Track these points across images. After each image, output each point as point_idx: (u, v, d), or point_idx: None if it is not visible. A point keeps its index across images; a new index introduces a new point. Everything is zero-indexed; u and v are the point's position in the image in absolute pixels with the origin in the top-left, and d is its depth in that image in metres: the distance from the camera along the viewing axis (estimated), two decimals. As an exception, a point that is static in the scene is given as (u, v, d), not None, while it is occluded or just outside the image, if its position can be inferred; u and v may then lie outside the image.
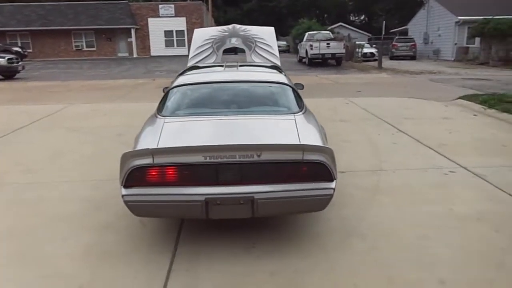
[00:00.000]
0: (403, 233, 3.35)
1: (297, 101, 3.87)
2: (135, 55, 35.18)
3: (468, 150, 5.66)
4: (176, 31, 36.23)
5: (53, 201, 4.08)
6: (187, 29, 36.04)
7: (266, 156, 2.83)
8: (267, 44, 6.35)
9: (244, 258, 2.97)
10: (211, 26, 29.56)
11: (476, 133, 6.70)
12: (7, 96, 12.21)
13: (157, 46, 36.15)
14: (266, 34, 6.54)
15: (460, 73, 18.48)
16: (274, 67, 5.07)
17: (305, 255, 3.00)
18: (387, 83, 15.19)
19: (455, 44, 28.28)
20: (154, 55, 35.33)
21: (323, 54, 22.30)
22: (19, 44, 33.12)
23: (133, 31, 35.13)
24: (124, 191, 2.88)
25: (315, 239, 3.25)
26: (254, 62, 5.99)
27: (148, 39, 36.14)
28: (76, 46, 35.84)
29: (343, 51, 22.85)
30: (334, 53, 22.44)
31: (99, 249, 3.16)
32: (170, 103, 3.82)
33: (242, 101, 3.86)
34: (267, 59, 6.12)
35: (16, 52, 25.69)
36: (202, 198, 2.80)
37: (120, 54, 35.83)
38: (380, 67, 21.37)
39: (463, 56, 26.71)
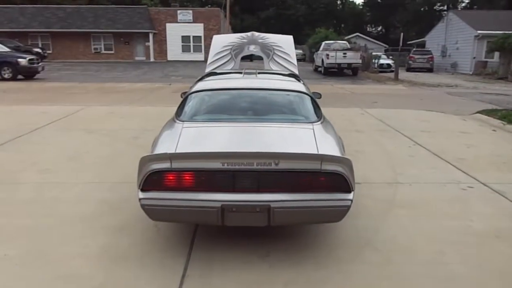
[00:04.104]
0: (419, 247, 3.30)
1: (315, 111, 3.85)
2: (152, 59, 35.60)
3: (486, 166, 5.57)
4: (193, 36, 36.61)
5: (69, 202, 4.12)
6: (204, 35, 36.39)
7: (283, 165, 2.82)
8: (285, 53, 6.36)
9: (258, 266, 2.95)
10: (228, 33, 29.85)
11: (495, 149, 6.59)
12: (27, 96, 12.44)
13: (174, 51, 36.54)
14: (284, 42, 6.55)
15: (478, 87, 18.25)
16: (292, 75, 5.06)
17: (319, 266, 2.97)
18: (403, 95, 15.07)
19: (474, 58, 27.97)
20: (171, 60, 35.70)
21: (339, 64, 22.28)
22: (40, 45, 33.76)
23: (151, 36, 35.57)
24: (141, 195, 2.89)
25: (330, 249, 3.22)
26: (272, 70, 5.99)
27: (166, 43, 36.55)
28: (94, 48, 36.42)
29: (360, 61, 22.79)
30: (350, 63, 22.40)
31: (113, 251, 3.17)
32: (189, 108, 3.84)
33: (261, 108, 3.86)
34: (285, 67, 6.12)
35: (37, 53, 26.13)
36: (219, 204, 2.79)
37: (137, 58, 36.29)
38: (396, 79, 21.22)
39: (481, 70, 26.39)
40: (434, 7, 55.61)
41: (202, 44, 36.50)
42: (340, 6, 63.01)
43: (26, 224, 3.59)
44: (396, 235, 3.49)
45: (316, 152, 3.01)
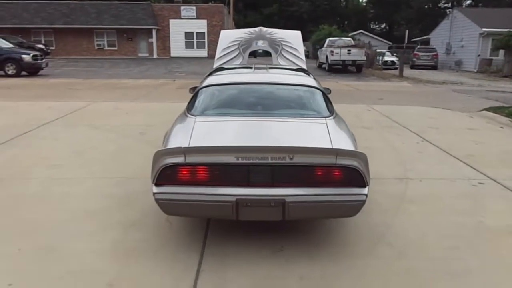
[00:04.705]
0: (432, 243, 3.28)
1: (327, 105, 3.83)
2: (155, 56, 35.57)
3: (496, 162, 5.54)
4: (197, 33, 36.54)
5: (78, 197, 4.11)
6: (207, 31, 36.35)
7: (298, 159, 2.80)
8: (293, 48, 6.33)
9: (272, 260, 2.94)
10: (232, 29, 29.76)
11: (504, 145, 6.56)
12: (32, 93, 12.44)
13: (177, 47, 36.50)
14: (292, 37, 6.52)
15: (484, 85, 18.17)
16: (302, 70, 5.04)
17: (334, 260, 2.96)
18: (408, 91, 15.02)
19: (478, 55, 27.84)
20: (174, 56, 35.67)
21: (343, 61, 22.20)
22: (43, 42, 33.69)
23: (154, 32, 35.53)
24: (155, 189, 2.87)
25: (343, 244, 3.21)
26: (281, 65, 5.96)
27: (169, 40, 36.50)
28: (97, 45, 36.39)
29: (364, 58, 22.71)
30: (355, 60, 22.32)
31: (125, 246, 3.15)
32: (200, 102, 3.81)
33: (273, 103, 3.84)
34: (293, 62, 6.09)
35: (40, 49, 26.10)
36: (233, 199, 2.78)
37: (140, 54, 36.27)
38: (401, 76, 21.13)
39: (486, 68, 26.27)
40: (439, 5, 55.28)
41: (206, 40, 36.46)
42: (344, 3, 62.73)
43: (38, 219, 3.59)
44: (408, 230, 3.48)
45: (330, 147, 2.99)
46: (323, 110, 3.72)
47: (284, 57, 6.19)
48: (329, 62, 22.56)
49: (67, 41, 35.58)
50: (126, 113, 8.75)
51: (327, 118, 3.53)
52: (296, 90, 4.05)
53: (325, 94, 4.04)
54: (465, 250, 3.18)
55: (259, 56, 23.08)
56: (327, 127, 3.35)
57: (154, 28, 35.44)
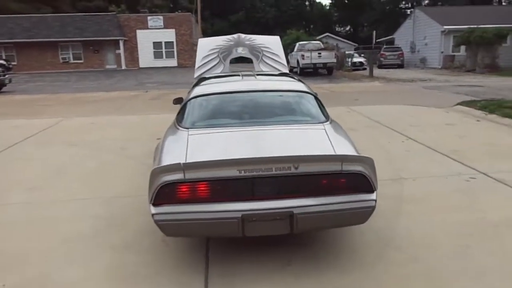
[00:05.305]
0: (441, 242, 3.23)
1: (322, 110, 3.74)
2: (123, 67, 34.82)
3: (481, 155, 5.61)
4: (165, 42, 36.05)
5: (64, 221, 3.83)
6: (176, 40, 35.94)
7: (303, 168, 2.68)
8: (274, 53, 6.23)
9: (282, 277, 2.78)
10: (200, 37, 29.47)
11: (484, 138, 6.69)
12: (-3, 111, 11.83)
13: (146, 57, 35.86)
14: (272, 43, 6.43)
15: (450, 80, 18.70)
16: (287, 75, 4.94)
17: (345, 272, 2.84)
18: (381, 91, 15.23)
19: (442, 52, 28.75)
20: (143, 67, 35.02)
21: (314, 64, 22.37)
22: (4, 57, 32.34)
23: (121, 43, 34.81)
24: (153, 210, 2.67)
25: (352, 254, 3.09)
26: (264, 71, 5.84)
27: (137, 50, 35.83)
28: (63, 58, 35.29)
29: (334, 60, 22.97)
30: (326, 63, 22.52)
31: (122, 271, 2.93)
32: (191, 114, 3.63)
33: (267, 111, 3.70)
34: (275, 68, 6.00)
35: (1, 65, 24.94)
36: (239, 214, 2.62)
37: (108, 66, 35.41)
38: (371, 76, 21.49)
39: (450, 64, 27.16)
40: (399, 5, 56.95)
41: (175, 49, 36.04)
42: (309, 8, 63.61)
43: (22, 249, 3.30)
44: (414, 232, 3.41)
45: (333, 153, 2.90)
46: (319, 115, 3.62)
47: (266, 63, 6.07)
48: (301, 66, 22.67)
49: (30, 56, 34.29)
50: (102, 128, 8.42)
51: (324, 124, 3.44)
52: (289, 96, 3.93)
53: (318, 98, 3.95)
54: (475, 248, 3.13)
55: (231, 64, 22.88)
56: (326, 132, 3.25)
57: (121, 39, 34.72)
